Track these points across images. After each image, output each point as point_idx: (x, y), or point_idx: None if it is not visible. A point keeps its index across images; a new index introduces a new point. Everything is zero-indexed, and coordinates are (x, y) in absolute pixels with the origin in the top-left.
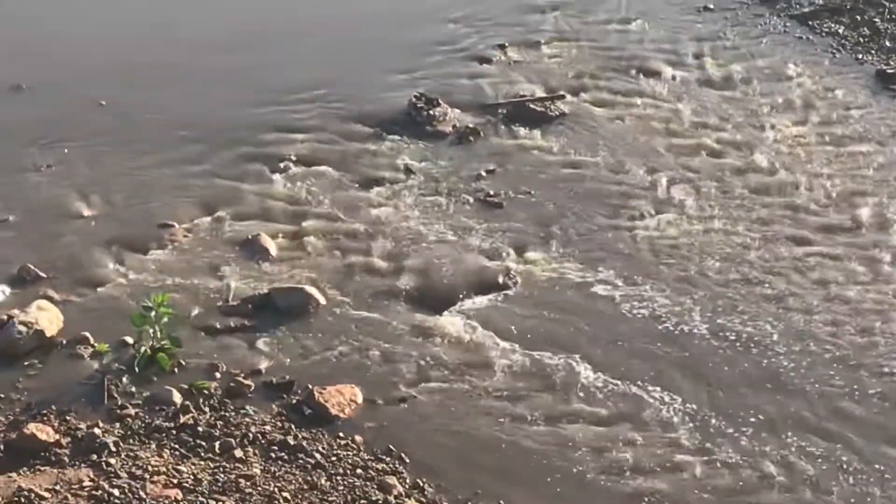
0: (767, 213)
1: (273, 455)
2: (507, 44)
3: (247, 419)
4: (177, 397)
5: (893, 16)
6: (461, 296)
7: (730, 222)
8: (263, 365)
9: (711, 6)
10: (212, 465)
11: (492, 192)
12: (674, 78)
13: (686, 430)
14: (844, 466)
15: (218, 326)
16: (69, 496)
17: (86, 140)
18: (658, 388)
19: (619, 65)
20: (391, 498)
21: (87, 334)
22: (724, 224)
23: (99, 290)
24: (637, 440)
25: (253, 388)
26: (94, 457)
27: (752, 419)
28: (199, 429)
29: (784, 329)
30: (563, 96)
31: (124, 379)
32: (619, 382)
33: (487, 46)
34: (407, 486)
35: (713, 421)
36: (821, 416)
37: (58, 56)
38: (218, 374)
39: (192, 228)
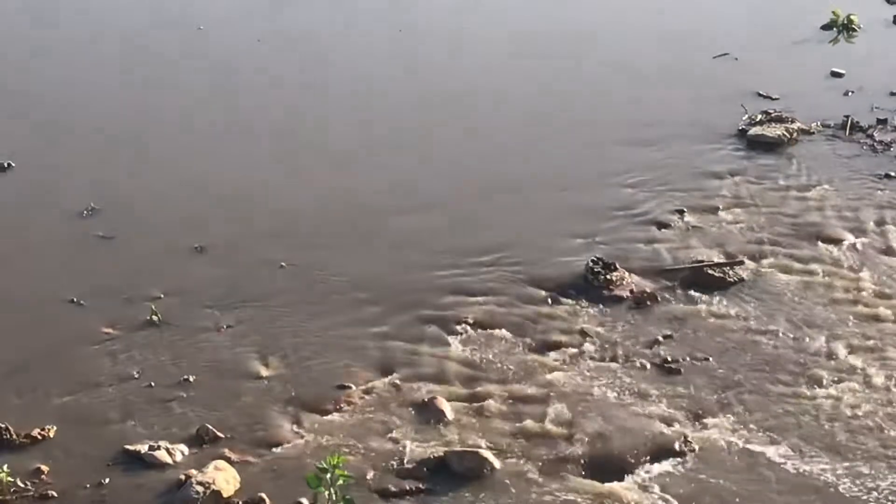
0: None
1: None
2: (684, 209)
3: None
4: None
5: None
6: (637, 462)
7: None
8: None
9: (894, 174)
10: None
11: (669, 358)
12: (855, 246)
13: None
14: None
15: (392, 489)
16: None
17: (265, 301)
18: None
19: (799, 231)
20: None
21: (264, 495)
22: None
23: (275, 450)
24: None
25: None
26: None
27: None
28: None
29: None
30: (741, 262)
31: None
32: None
33: (665, 211)
34: None
35: None
36: None
37: (240, 218)
38: None
39: (369, 390)
